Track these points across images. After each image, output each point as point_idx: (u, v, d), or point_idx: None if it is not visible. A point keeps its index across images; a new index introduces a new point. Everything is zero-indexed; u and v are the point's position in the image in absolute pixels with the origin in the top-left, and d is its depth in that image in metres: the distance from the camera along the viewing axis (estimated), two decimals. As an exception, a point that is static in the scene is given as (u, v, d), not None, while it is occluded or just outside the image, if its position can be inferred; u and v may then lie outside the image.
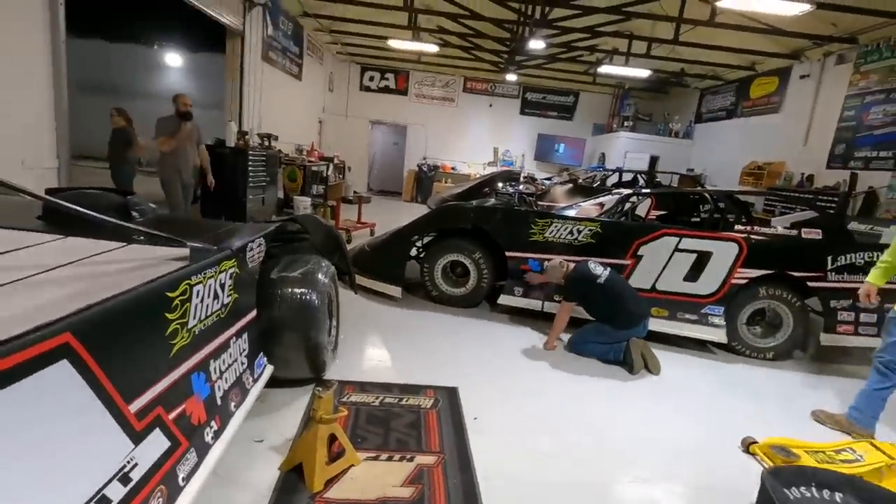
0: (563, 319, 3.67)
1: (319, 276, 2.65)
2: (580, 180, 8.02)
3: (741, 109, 10.45)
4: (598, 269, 3.64)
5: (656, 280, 3.96)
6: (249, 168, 6.08)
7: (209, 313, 1.75)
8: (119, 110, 5.86)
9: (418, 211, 9.95)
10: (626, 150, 12.17)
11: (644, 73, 10.18)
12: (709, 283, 3.87)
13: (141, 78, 15.31)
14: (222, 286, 1.85)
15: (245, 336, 2.14)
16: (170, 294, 1.48)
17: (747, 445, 2.62)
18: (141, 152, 5.95)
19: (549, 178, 10.11)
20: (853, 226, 4.76)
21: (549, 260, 3.80)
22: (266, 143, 7.00)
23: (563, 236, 4.07)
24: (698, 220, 4.72)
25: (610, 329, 3.56)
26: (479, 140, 14.41)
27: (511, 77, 12.80)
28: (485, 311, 4.48)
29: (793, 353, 4.00)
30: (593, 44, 10.04)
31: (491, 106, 14.48)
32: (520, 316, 4.35)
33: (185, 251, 1.75)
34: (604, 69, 10.39)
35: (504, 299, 4.29)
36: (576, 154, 14.20)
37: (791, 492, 1.92)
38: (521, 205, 6.80)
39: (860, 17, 6.69)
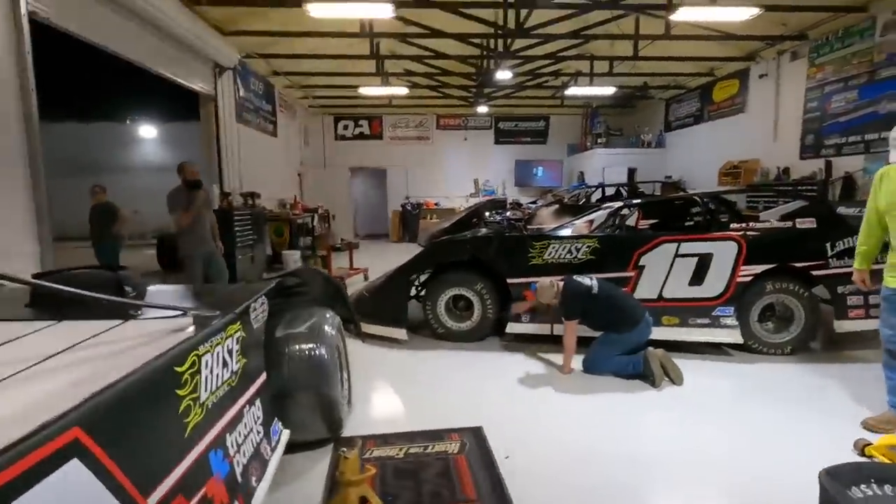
0: (572, 339, 3.59)
1: (326, 328, 2.55)
2: (565, 200, 8.10)
3: (707, 114, 10.77)
4: (587, 280, 3.63)
5: (662, 288, 3.92)
6: (236, 228, 6.02)
7: (220, 383, 1.64)
8: (100, 187, 5.79)
9: (408, 250, 9.96)
10: (604, 166, 12.39)
11: (609, 91, 10.52)
12: (714, 284, 3.84)
13: (118, 154, 15.37)
14: (230, 352, 1.75)
15: (258, 402, 2.02)
16: (178, 369, 1.38)
17: (861, 448, 2.47)
18: (124, 225, 5.84)
19: (533, 202, 10.21)
20: (842, 210, 4.81)
21: (537, 282, 3.74)
22: (250, 202, 6.96)
23: (562, 256, 4.04)
24: (691, 223, 4.74)
25: (618, 336, 3.49)
26: (459, 173, 14.59)
27: (482, 109, 13.10)
28: (493, 343, 4.38)
29: (809, 345, 3.94)
30: (557, 69, 10.37)
31: (466, 139, 14.74)
32: (530, 342, 4.25)
33: (188, 320, 1.66)
34: (570, 91, 10.71)
35: (512, 328, 4.20)
36: (554, 175, 14.42)
37: (853, 491, 1.82)
38: (511, 231, 6.81)
39: (808, 14, 7.03)
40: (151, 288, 2.47)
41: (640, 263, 3.94)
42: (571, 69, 10.31)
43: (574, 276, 3.66)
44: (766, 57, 8.86)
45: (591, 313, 3.62)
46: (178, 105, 12.36)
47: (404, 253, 10.79)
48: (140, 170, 15.21)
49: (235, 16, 7.18)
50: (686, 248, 3.87)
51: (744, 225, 3.90)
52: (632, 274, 3.96)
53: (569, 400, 3.26)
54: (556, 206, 7.53)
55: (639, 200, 4.32)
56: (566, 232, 4.18)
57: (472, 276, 4.24)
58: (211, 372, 1.58)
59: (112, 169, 14.36)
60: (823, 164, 7.55)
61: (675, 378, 3.39)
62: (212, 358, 1.58)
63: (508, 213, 8.17)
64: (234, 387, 1.76)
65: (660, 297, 3.93)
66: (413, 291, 4.65)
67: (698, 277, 3.86)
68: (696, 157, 11.03)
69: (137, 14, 5.36)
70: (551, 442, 2.71)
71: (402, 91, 10.64)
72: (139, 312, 1.77)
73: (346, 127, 14.58)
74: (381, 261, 10.50)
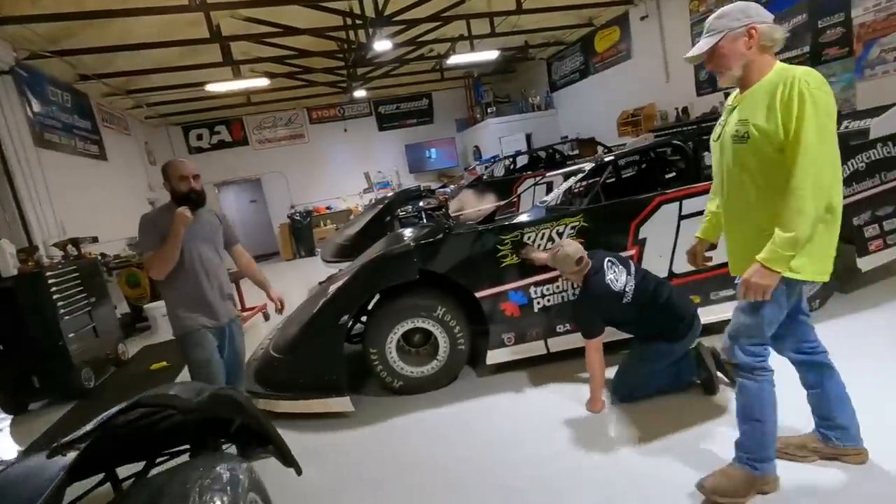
0: (599, 363, 2.57)
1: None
2: (483, 176, 7.13)
3: (593, 66, 10.50)
4: (620, 275, 2.59)
5: (671, 262, 3.06)
6: (55, 295, 4.09)
7: None
8: None
9: (305, 267, 8.33)
10: (499, 136, 11.76)
11: (492, 55, 9.71)
12: (730, 244, 3.05)
13: None
14: None
15: None
16: None
17: None
18: None
19: (443, 186, 9.15)
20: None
21: (555, 250, 2.66)
22: (74, 252, 4.94)
23: (544, 247, 2.99)
24: (674, 174, 3.98)
25: (667, 347, 2.54)
26: (346, 169, 13.04)
27: (359, 94, 11.64)
28: (471, 381, 3.23)
29: (833, 292, 3.36)
30: (437, 36, 9.30)
31: (346, 131, 13.20)
32: (521, 370, 3.18)
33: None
34: (453, 60, 9.72)
35: (494, 356, 3.09)
36: (449, 154, 13.53)
37: None
38: (434, 223, 5.66)
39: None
40: None
41: (641, 236, 3.03)
42: (455, 33, 9.31)
43: (604, 265, 2.59)
44: (644, -2, 8.63)
45: (625, 322, 2.63)
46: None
47: (303, 272, 9.23)
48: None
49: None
50: (690, 205, 3.03)
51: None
52: (633, 252, 3.04)
53: (612, 452, 2.25)
54: (477, 184, 6.51)
55: (610, 157, 3.40)
56: (535, 213, 3.12)
57: (429, 299, 3.04)
58: None
59: None
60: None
61: (731, 374, 2.52)
62: None
63: (422, 203, 6.99)
64: None
65: (671, 275, 3.07)
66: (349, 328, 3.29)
67: (711, 240, 3.04)
68: (590, 112, 10.77)
69: None
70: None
71: (262, 83, 8.84)
72: None
73: (199, 137, 12.22)
74: (278, 287, 8.75)
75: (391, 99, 13.38)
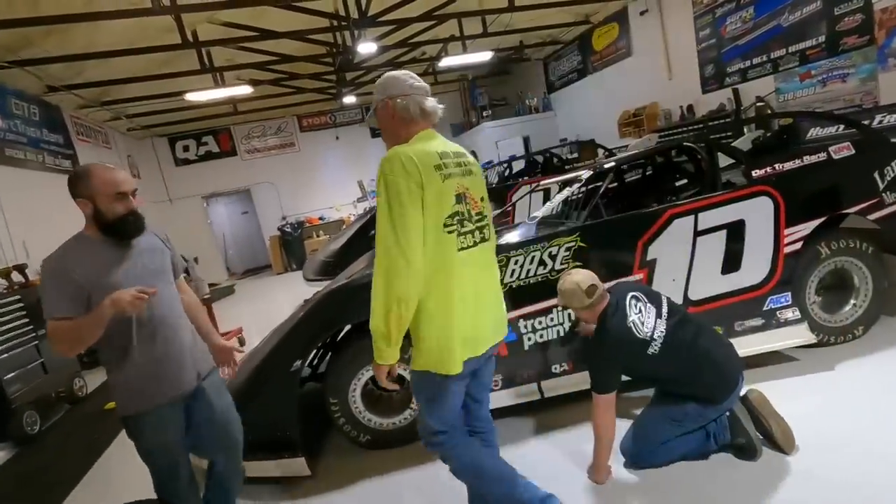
0: (609, 424, 2.04)
1: None
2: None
3: (591, 66, 10.04)
4: (647, 317, 2.05)
5: (687, 287, 2.58)
6: (-10, 332, 3.65)
7: None
8: None
9: (296, 281, 7.90)
10: (496, 140, 11.31)
11: (486, 56, 9.28)
12: (756, 264, 2.59)
13: None
14: None
15: None
16: None
17: None
18: None
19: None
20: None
21: (561, 280, 2.15)
22: (20, 280, 4.49)
23: (534, 273, 2.51)
24: (685, 182, 3.48)
25: (694, 408, 2.03)
26: (339, 178, 12.60)
27: (349, 100, 11.23)
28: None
29: (879, 315, 2.86)
30: (427, 37, 8.86)
31: (338, 138, 12.77)
32: (511, 418, 2.69)
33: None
34: (445, 62, 9.29)
35: (478, 402, 2.60)
36: (445, 160, 13.05)
37: None
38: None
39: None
40: None
41: (650, 257, 2.55)
42: (445, 34, 8.88)
43: (628, 301, 2.08)
44: (643, -9, 8.17)
45: (648, 377, 2.13)
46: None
47: (293, 287, 8.76)
48: None
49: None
50: (706, 219, 2.55)
51: (767, 170, 2.66)
52: (640, 276, 2.55)
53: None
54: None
55: (611, 163, 2.89)
56: (523, 232, 2.63)
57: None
58: None
59: None
60: (731, 93, 6.96)
61: (783, 442, 2.01)
62: None
63: (411, 214, 6.52)
64: None
65: (686, 302, 2.58)
66: (303, 371, 2.83)
67: (733, 259, 2.57)
68: (590, 113, 10.30)
69: None
70: None
71: (245, 90, 8.42)
72: None
73: (186, 148, 11.82)
74: (263, 305, 8.32)
75: (384, 104, 12.93)
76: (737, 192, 2.57)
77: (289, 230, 11.52)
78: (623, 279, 2.42)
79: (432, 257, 1.47)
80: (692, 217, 2.54)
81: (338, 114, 12.65)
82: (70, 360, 4.69)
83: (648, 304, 2.10)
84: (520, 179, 6.47)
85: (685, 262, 2.56)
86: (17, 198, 5.93)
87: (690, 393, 2.03)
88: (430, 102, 1.65)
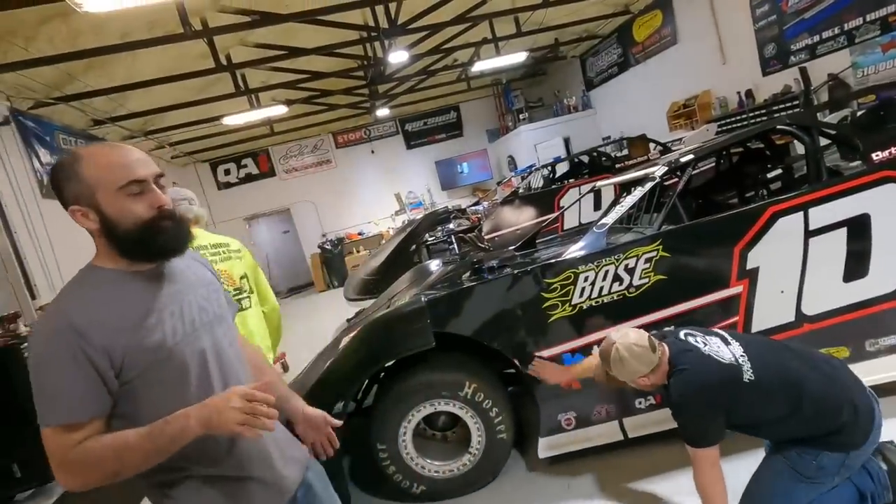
0: (718, 485, 1.60)
1: None
2: (520, 190, 6.29)
3: (633, 58, 9.48)
4: (715, 344, 1.68)
5: (799, 300, 2.12)
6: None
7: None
8: None
9: (337, 299, 7.74)
10: (534, 143, 10.90)
11: (521, 57, 8.91)
12: (889, 267, 2.09)
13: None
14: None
15: None
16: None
17: None
18: None
19: (475, 204, 8.35)
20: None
21: (607, 350, 1.73)
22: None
23: (607, 290, 2.13)
24: (777, 174, 2.99)
25: (828, 458, 1.57)
26: (376, 192, 12.50)
27: (382, 113, 11.12)
28: (520, 478, 2.38)
29: None
30: (459, 42, 8.60)
31: (373, 152, 12.69)
32: (590, 460, 2.30)
33: None
34: (477, 66, 8.99)
35: (549, 447, 2.24)
36: (483, 166, 12.76)
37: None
38: (468, 250, 4.87)
39: None
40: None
41: (749, 265, 2.11)
42: (477, 38, 8.59)
43: (686, 339, 1.71)
44: (690, -28, 7.61)
45: (755, 420, 1.68)
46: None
47: (335, 305, 8.59)
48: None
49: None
50: (819, 215, 2.09)
51: (893, 150, 2.17)
52: (739, 289, 2.12)
53: None
54: (513, 199, 5.67)
55: (689, 156, 2.43)
56: (591, 243, 2.24)
57: (452, 373, 2.23)
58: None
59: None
60: (798, 73, 6.29)
61: None
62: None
63: (452, 226, 6.22)
64: None
65: (801, 319, 2.12)
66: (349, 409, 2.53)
67: (857, 263, 2.10)
68: (633, 108, 9.73)
69: None
70: None
71: (280, 110, 8.42)
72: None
73: (227, 172, 12.03)
74: (308, 327, 8.19)
75: (417, 115, 12.79)
76: (857, 181, 2.09)
77: (329, 247, 11.47)
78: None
79: None
80: (801, 214, 2.09)
81: (372, 128, 12.58)
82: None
83: (706, 336, 1.74)
84: (567, 182, 6.04)
85: (796, 269, 2.10)
86: (65, 230, 6.03)
87: (816, 435, 1.58)
88: (194, 210, 2.23)
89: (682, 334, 1.74)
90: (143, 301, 1.03)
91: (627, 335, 1.70)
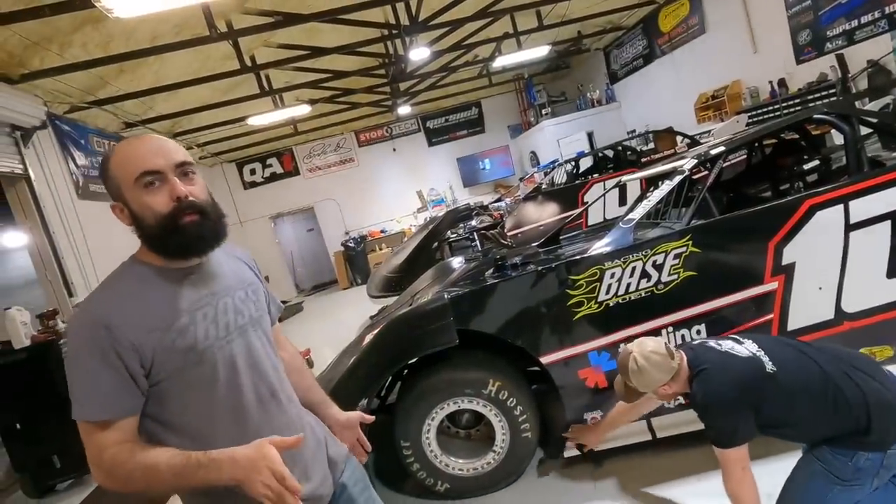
0: (751, 488, 1.55)
1: None
2: (543, 186, 6.21)
3: (659, 49, 9.25)
4: (731, 343, 1.67)
5: (839, 297, 2.03)
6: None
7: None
8: None
9: (361, 296, 7.82)
10: (557, 138, 10.75)
11: (543, 51, 8.78)
12: (937, 262, 1.98)
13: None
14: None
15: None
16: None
17: None
18: None
19: (497, 201, 8.29)
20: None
21: (623, 362, 1.70)
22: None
23: (635, 287, 2.07)
24: (815, 166, 2.87)
25: (864, 458, 1.50)
26: (398, 190, 12.55)
27: (404, 111, 11.15)
28: (542, 478, 2.35)
29: None
30: (480, 37, 8.53)
31: (395, 150, 12.73)
32: (617, 460, 2.26)
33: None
34: (499, 62, 8.91)
35: (574, 447, 2.19)
36: (505, 162, 12.67)
37: None
38: (490, 247, 4.84)
39: None
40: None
41: (785, 261, 2.02)
42: (498, 33, 8.52)
43: (710, 344, 1.68)
44: (718, -42, 7.37)
45: (785, 417, 1.60)
46: None
47: (359, 302, 8.66)
48: None
49: (22, 50, 4.86)
50: (860, 208, 2.00)
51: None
52: (775, 285, 2.04)
53: None
54: (536, 196, 5.60)
55: (720, 148, 2.34)
56: (617, 238, 2.18)
57: (475, 371, 2.22)
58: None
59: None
60: (835, 60, 6.03)
61: None
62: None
63: (474, 222, 6.19)
64: None
65: (840, 316, 2.03)
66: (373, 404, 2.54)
67: (902, 258, 1.99)
68: (659, 100, 9.51)
69: None
70: None
71: (303, 110, 8.52)
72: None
73: (253, 171, 12.25)
74: (332, 323, 8.26)
75: (439, 112, 12.77)
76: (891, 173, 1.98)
77: (352, 245, 11.58)
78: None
79: None
80: (841, 207, 2.00)
81: (394, 126, 12.62)
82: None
83: (719, 340, 1.73)
84: (591, 177, 5.94)
85: (835, 264, 2.01)
86: (100, 230, 6.24)
87: (848, 433, 1.50)
88: None
89: (693, 343, 1.76)
90: (177, 301, 1.01)
91: (644, 343, 1.68)
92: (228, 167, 12.13)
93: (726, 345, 1.67)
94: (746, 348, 1.63)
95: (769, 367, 1.55)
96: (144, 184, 0.98)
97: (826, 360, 1.57)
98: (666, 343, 1.68)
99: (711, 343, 1.71)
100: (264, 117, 8.21)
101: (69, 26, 4.87)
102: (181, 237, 0.99)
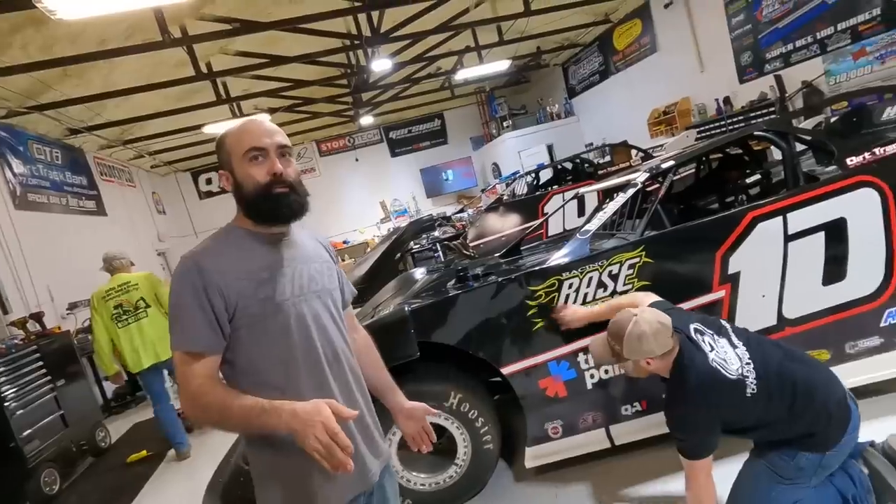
0: (711, 497, 1.60)
1: None
2: (505, 197, 6.30)
3: (614, 66, 9.63)
4: (724, 350, 1.64)
5: (780, 304, 2.14)
6: (2, 387, 3.44)
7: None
8: None
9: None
10: (518, 150, 10.97)
11: (503, 66, 8.99)
12: (866, 270, 2.13)
13: None
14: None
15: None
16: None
17: None
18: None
19: (460, 211, 8.35)
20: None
21: (622, 324, 1.68)
22: (37, 329, 4.32)
23: (592, 296, 2.12)
24: (757, 179, 3.03)
25: (806, 458, 1.58)
26: (361, 200, 12.43)
27: (366, 120, 11.11)
28: (505, 488, 2.35)
29: None
30: (442, 50, 8.63)
31: (357, 160, 12.64)
32: (577, 468, 2.28)
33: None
34: (461, 74, 9.05)
35: (535, 456, 2.21)
36: (467, 173, 12.79)
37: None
38: (453, 258, 4.85)
39: None
40: None
41: (731, 270, 2.12)
42: (457, 47, 8.64)
43: (696, 338, 1.66)
44: (667, -17, 7.76)
45: (746, 428, 1.68)
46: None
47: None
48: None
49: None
50: (798, 219, 2.12)
51: (866, 156, 2.21)
52: (722, 293, 2.13)
53: None
54: (499, 207, 5.67)
55: (670, 162, 2.45)
56: (575, 249, 2.23)
57: (436, 383, 2.20)
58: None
59: None
60: (774, 80, 6.45)
61: None
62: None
63: (437, 233, 6.21)
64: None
65: (782, 322, 2.14)
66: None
67: (835, 266, 2.13)
68: (615, 115, 9.86)
69: None
70: None
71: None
72: None
73: (209, 181, 11.86)
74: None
75: (401, 123, 12.80)
76: (833, 185, 2.13)
77: (313, 256, 11.36)
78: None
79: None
80: (780, 218, 2.11)
81: (356, 136, 12.55)
82: (92, 409, 4.49)
83: (715, 336, 1.69)
84: (550, 188, 6.07)
85: (776, 273, 2.12)
86: (39, 242, 5.87)
87: (796, 436, 1.58)
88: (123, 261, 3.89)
89: (691, 330, 1.68)
90: (262, 258, 1.18)
91: (647, 311, 1.67)
92: (183, 176, 11.71)
93: (719, 349, 1.64)
94: (738, 356, 1.62)
95: (749, 390, 1.58)
96: (251, 157, 1.16)
97: (797, 358, 1.66)
98: (670, 326, 1.65)
99: (706, 340, 1.66)
100: (221, 126, 7.96)
101: (7, 27, 4.61)
102: (272, 203, 1.16)
